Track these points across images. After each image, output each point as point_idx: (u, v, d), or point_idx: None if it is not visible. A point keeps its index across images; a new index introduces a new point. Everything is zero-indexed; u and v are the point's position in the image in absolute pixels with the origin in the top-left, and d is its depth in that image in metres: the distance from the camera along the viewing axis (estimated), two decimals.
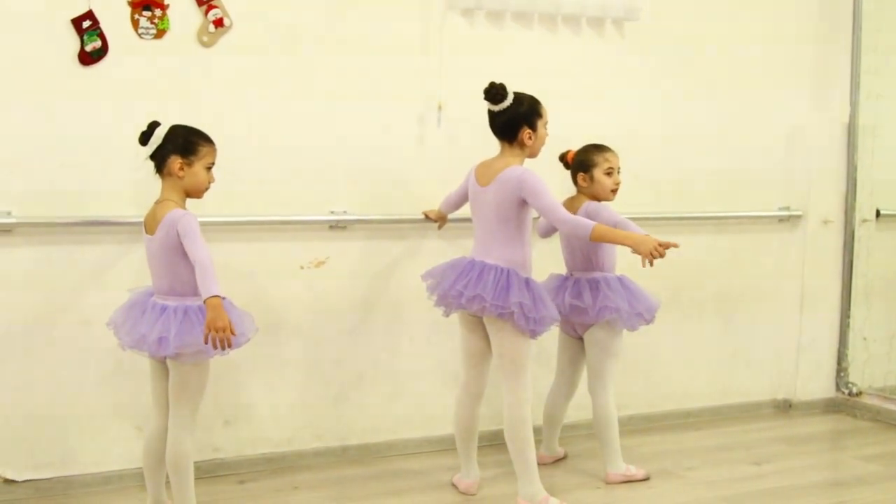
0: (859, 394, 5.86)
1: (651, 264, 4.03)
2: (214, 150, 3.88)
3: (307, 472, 4.63)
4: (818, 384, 5.94)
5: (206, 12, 4.42)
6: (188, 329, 3.70)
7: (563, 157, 4.69)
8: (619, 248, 4.51)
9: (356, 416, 4.85)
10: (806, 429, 5.60)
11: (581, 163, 4.62)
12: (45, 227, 4.19)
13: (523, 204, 4.09)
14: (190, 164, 3.81)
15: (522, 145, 4.18)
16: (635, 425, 5.37)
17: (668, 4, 5.37)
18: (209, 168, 3.86)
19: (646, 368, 5.46)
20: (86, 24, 4.21)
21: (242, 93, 4.50)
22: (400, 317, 4.86)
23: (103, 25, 4.24)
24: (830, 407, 5.92)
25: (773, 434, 5.46)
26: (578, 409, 4.91)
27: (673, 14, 5.39)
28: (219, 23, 4.44)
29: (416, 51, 4.83)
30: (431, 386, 4.93)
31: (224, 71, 4.47)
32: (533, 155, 4.25)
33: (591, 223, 4.03)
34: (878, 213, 5.90)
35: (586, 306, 4.51)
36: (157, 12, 4.35)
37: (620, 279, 4.60)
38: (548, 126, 4.25)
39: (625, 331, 4.61)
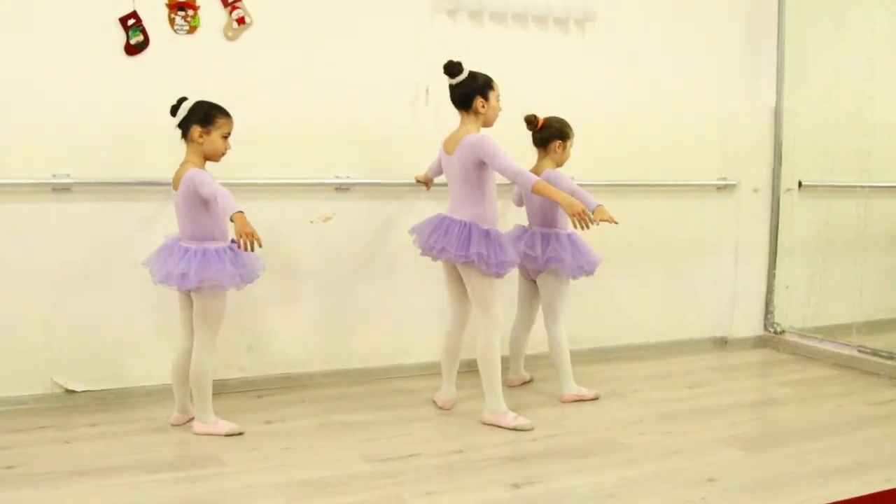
0: (782, 332, 5.79)
1: (582, 227, 4.00)
2: (230, 122, 3.88)
3: (316, 389, 4.63)
4: (749, 324, 5.87)
5: (231, 12, 4.40)
6: (206, 266, 3.74)
7: (532, 120, 4.55)
8: None
9: (360, 345, 4.83)
10: (737, 360, 5.54)
11: (561, 132, 4.54)
12: (98, 186, 4.20)
13: (482, 165, 4.04)
14: (208, 133, 3.82)
15: (477, 113, 4.13)
16: (593, 356, 5.32)
17: (621, 8, 5.28)
18: (225, 137, 3.87)
19: (604, 308, 5.41)
20: (130, 21, 4.22)
21: (261, 78, 4.48)
22: (395, 263, 4.84)
23: (145, 23, 4.23)
24: (759, 343, 5.86)
25: (709, 364, 5.40)
26: (543, 343, 4.87)
27: (625, 17, 5.30)
28: (241, 21, 4.42)
29: (408, 43, 4.79)
30: (423, 320, 4.91)
31: (245, 60, 4.45)
32: (488, 124, 4.19)
33: (535, 178, 3.98)
34: (800, 184, 5.80)
35: (536, 255, 4.47)
36: (190, 12, 4.33)
37: (569, 235, 4.54)
38: (500, 99, 4.19)
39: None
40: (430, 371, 4.77)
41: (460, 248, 4.02)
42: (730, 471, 3.60)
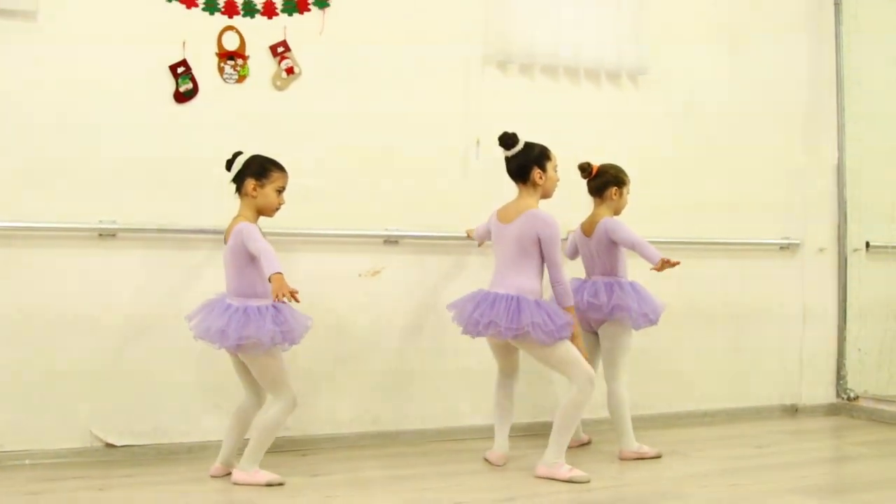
0: (856, 398, 5.47)
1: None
2: (285, 176, 3.83)
3: (362, 450, 4.42)
4: (820, 391, 5.56)
5: (280, 62, 4.39)
6: (245, 323, 3.64)
7: (586, 167, 4.43)
8: (630, 257, 4.35)
9: (409, 406, 4.63)
10: (808, 426, 5.23)
11: (616, 178, 4.42)
12: (143, 233, 4.15)
13: (539, 243, 3.93)
14: (262, 186, 3.77)
15: (535, 185, 4.02)
16: (653, 422, 5.03)
17: (675, 62, 5.20)
18: (280, 191, 3.81)
19: (665, 372, 5.15)
20: (180, 69, 4.23)
21: (310, 129, 4.45)
22: (445, 320, 4.57)
23: (195, 71, 4.24)
24: (832, 410, 5.54)
25: (779, 429, 5.10)
26: (601, 407, 4.62)
27: (679, 70, 5.22)
28: (290, 71, 4.41)
29: (459, 96, 4.74)
30: (475, 381, 4.67)
31: (294, 110, 4.43)
32: (547, 195, 4.09)
33: (571, 299, 3.95)
34: (867, 245, 5.57)
35: (601, 304, 4.29)
36: (239, 61, 4.34)
37: (632, 284, 4.37)
38: (557, 170, 4.09)
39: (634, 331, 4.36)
40: (485, 434, 4.53)
41: (510, 322, 3.84)
42: None
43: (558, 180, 4.13)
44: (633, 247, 4.24)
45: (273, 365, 3.73)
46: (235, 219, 3.77)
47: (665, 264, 4.08)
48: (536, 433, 4.11)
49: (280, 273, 3.50)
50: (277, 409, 3.74)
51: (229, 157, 3.82)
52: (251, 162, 3.79)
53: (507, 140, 4.05)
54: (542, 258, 3.97)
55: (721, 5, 5.38)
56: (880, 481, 3.92)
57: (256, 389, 3.87)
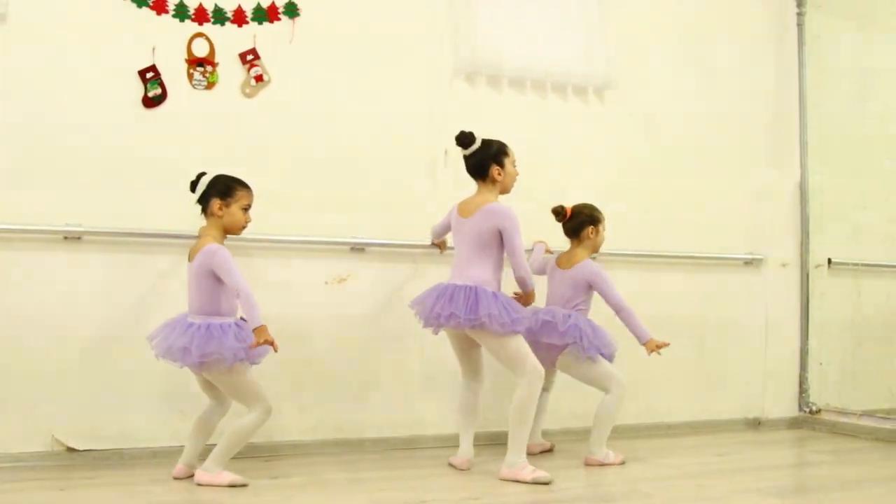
0: (818, 411, 5.52)
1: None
2: (250, 194, 3.86)
3: (326, 456, 4.40)
4: (783, 404, 5.61)
5: (249, 69, 4.43)
6: (207, 341, 3.64)
7: (560, 211, 4.48)
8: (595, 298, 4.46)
9: (373, 414, 4.61)
10: (771, 437, 5.28)
11: (592, 217, 4.48)
12: (109, 236, 4.14)
13: (500, 235, 3.99)
14: (228, 205, 3.80)
15: (494, 181, 4.09)
16: (617, 433, 4.97)
17: (641, 78, 5.29)
18: (245, 209, 3.85)
19: (630, 385, 5.07)
20: (149, 75, 4.25)
21: (278, 136, 4.47)
22: (410, 328, 4.61)
23: (164, 77, 4.27)
24: (794, 423, 5.58)
25: (742, 440, 5.14)
26: (576, 418, 4.73)
27: (646, 86, 5.31)
28: (259, 78, 4.45)
29: (427, 106, 4.80)
30: (440, 390, 4.69)
31: (263, 117, 4.45)
32: (505, 190, 4.15)
33: (533, 288, 4.08)
34: (829, 262, 5.66)
35: (556, 322, 4.30)
36: (209, 68, 4.37)
37: (588, 319, 4.42)
38: (516, 164, 4.16)
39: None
40: (450, 443, 4.52)
41: (469, 312, 3.89)
42: None
43: (517, 174, 4.19)
44: (619, 312, 4.33)
45: (240, 380, 3.73)
46: (202, 238, 3.79)
47: (654, 348, 4.27)
48: (503, 442, 4.11)
49: (264, 325, 3.61)
50: (253, 417, 3.73)
51: (192, 179, 3.84)
52: (215, 182, 3.82)
53: (465, 139, 4.12)
54: (501, 252, 4.03)
55: (687, 24, 5.49)
56: (841, 483, 3.97)
57: (221, 398, 3.87)
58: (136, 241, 4.19)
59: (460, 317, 3.90)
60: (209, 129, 4.31)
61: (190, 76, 4.34)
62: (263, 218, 4.18)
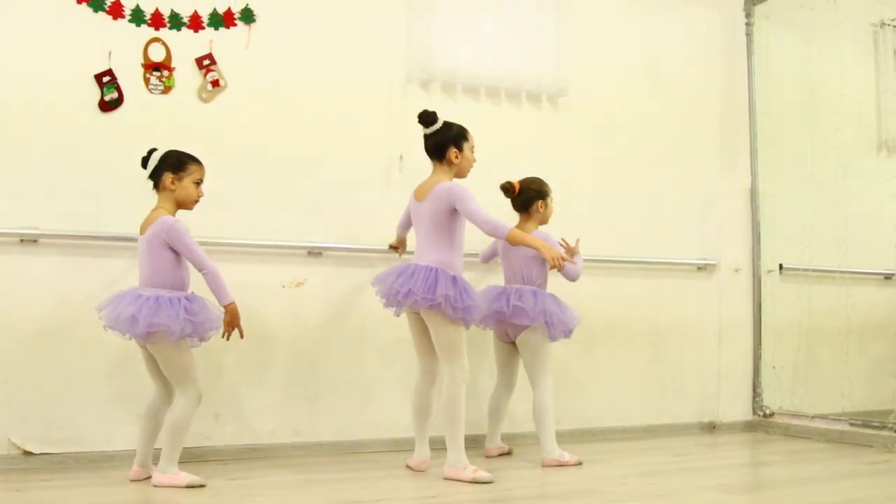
0: (772, 415, 5.62)
1: (558, 269, 4.08)
2: (202, 169, 3.89)
3: (284, 459, 4.41)
4: (737, 408, 5.70)
5: (206, 74, 4.46)
6: (155, 311, 3.65)
7: (509, 187, 4.54)
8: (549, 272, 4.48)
9: (330, 417, 4.63)
10: (725, 439, 5.37)
11: (540, 191, 4.56)
12: (65, 239, 4.14)
13: (454, 213, 4.03)
14: (180, 179, 3.83)
15: (451, 164, 4.14)
16: (575, 437, 5.07)
17: (594, 84, 5.39)
18: (197, 183, 3.87)
19: (585, 388, 5.26)
20: (106, 79, 4.27)
21: (235, 140, 4.50)
22: (367, 332, 4.72)
23: (120, 81, 4.29)
24: (748, 427, 5.68)
25: (697, 442, 5.24)
26: (525, 421, 4.73)
27: (598, 92, 5.41)
28: (216, 83, 4.48)
29: (382, 112, 4.85)
30: (395, 393, 4.71)
31: (219, 122, 4.49)
32: (461, 174, 4.20)
33: (508, 226, 3.99)
34: (781, 267, 5.78)
35: (527, 307, 4.37)
36: (165, 73, 4.39)
37: (552, 294, 4.49)
38: (474, 150, 4.22)
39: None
40: (407, 447, 4.54)
41: (427, 292, 3.93)
42: None
43: (475, 161, 4.25)
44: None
45: (181, 358, 3.74)
46: (155, 210, 3.82)
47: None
48: (468, 445, 4.16)
49: (234, 303, 3.75)
50: (182, 405, 3.73)
51: (144, 154, 3.87)
52: (167, 156, 3.86)
53: (427, 118, 4.18)
54: (459, 231, 4.08)
55: (639, 33, 5.60)
56: (793, 480, 4.07)
57: (166, 385, 3.85)
58: (92, 245, 4.19)
59: (417, 294, 3.93)
60: (166, 132, 4.30)
61: (146, 80, 4.36)
62: (220, 221, 4.23)
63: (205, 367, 4.25)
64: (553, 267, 4.02)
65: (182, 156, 3.87)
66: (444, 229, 4.06)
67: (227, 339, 3.84)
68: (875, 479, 4.10)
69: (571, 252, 4.56)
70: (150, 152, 3.87)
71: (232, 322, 3.80)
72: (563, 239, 4.61)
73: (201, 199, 3.91)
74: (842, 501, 3.53)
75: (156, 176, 3.84)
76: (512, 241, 4.03)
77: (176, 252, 3.74)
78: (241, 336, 3.79)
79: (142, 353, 3.85)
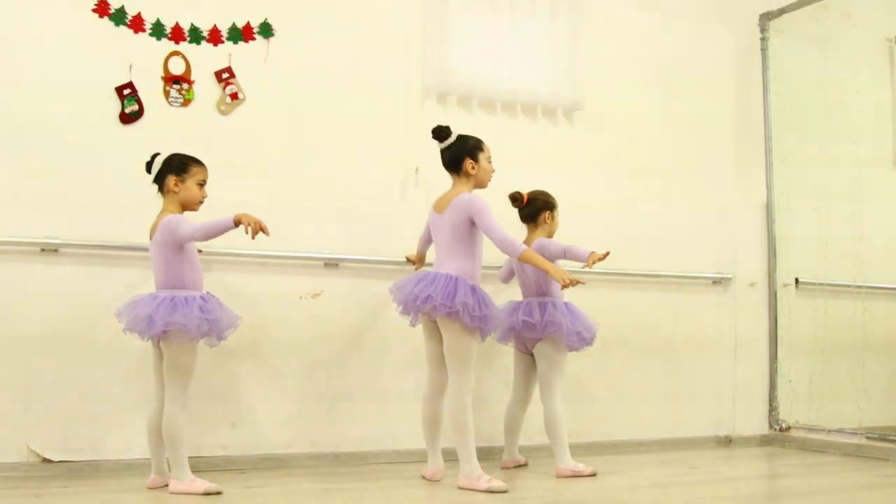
0: (788, 428, 5.62)
1: (569, 286, 4.09)
2: (205, 170, 3.99)
3: (300, 469, 4.43)
4: (753, 422, 5.70)
5: (224, 87, 4.53)
6: (171, 311, 3.73)
7: (518, 197, 4.60)
8: None
9: (347, 428, 4.67)
10: (742, 453, 5.37)
11: (547, 203, 4.63)
12: (85, 249, 4.21)
13: (473, 224, 4.07)
14: (183, 181, 3.92)
15: (468, 175, 4.19)
16: (590, 450, 5.08)
17: (609, 98, 5.43)
18: (201, 185, 3.96)
19: (601, 402, 5.27)
20: (126, 91, 4.34)
21: (253, 153, 4.57)
22: (384, 343, 4.75)
23: (141, 93, 4.36)
24: (764, 441, 5.68)
25: (713, 455, 5.24)
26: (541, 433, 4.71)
27: (613, 107, 5.45)
28: (234, 96, 4.54)
29: (399, 125, 4.91)
30: (411, 404, 4.66)
31: (237, 134, 4.55)
32: (480, 185, 4.24)
33: (522, 246, 4.04)
34: (797, 282, 5.79)
35: (535, 322, 4.42)
36: (185, 86, 4.46)
37: (566, 304, 4.52)
38: (491, 160, 4.26)
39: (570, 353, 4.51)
40: (421, 459, 4.54)
41: (446, 298, 3.96)
42: None
43: (493, 170, 4.29)
44: (564, 254, 4.44)
45: (187, 362, 3.80)
46: (160, 214, 3.90)
47: (595, 260, 4.30)
48: (482, 457, 4.17)
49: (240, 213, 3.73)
50: (168, 411, 3.77)
51: (147, 160, 3.95)
52: (170, 160, 3.94)
53: (440, 133, 4.24)
54: (478, 243, 4.12)
55: (655, 47, 5.65)
56: (809, 492, 4.08)
57: (163, 391, 3.87)
58: (112, 254, 4.25)
59: (436, 300, 3.96)
60: (185, 144, 4.31)
61: (166, 93, 4.43)
62: (237, 232, 4.25)
63: (222, 377, 4.37)
64: (565, 287, 4.07)
65: (184, 158, 3.96)
66: (464, 240, 4.10)
67: (253, 237, 3.74)
68: (892, 490, 4.11)
69: (597, 260, 4.43)
70: (154, 157, 3.95)
71: (249, 220, 3.72)
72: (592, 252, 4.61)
73: (205, 200, 3.99)
74: None
75: (159, 179, 3.93)
76: (524, 261, 4.11)
77: (183, 251, 3.82)
78: (267, 233, 3.73)
79: (153, 358, 3.90)
